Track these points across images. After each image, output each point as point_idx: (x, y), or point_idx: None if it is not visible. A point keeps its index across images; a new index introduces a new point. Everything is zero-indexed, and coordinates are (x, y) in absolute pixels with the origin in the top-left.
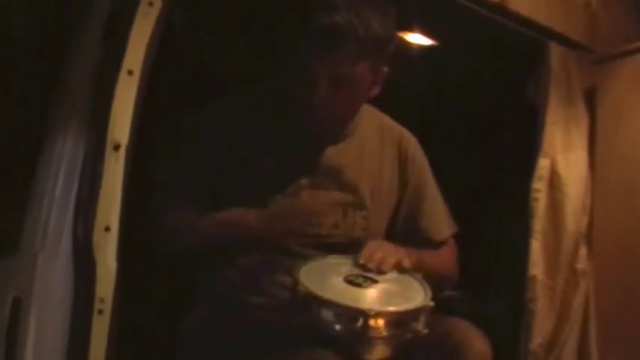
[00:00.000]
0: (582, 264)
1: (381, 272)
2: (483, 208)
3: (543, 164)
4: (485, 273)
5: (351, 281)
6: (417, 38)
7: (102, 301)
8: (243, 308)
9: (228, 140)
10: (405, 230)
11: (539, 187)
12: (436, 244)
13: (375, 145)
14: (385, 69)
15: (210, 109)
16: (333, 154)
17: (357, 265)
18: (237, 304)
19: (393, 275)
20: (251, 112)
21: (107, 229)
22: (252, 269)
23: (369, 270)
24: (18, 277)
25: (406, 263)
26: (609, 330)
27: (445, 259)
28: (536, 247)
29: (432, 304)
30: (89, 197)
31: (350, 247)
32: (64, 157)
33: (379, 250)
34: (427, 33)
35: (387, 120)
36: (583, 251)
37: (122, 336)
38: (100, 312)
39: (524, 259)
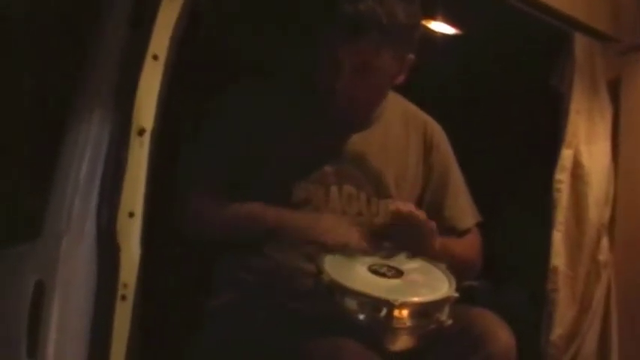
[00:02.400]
0: (604, 255)
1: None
2: (506, 197)
3: (566, 155)
4: (507, 263)
5: (375, 271)
6: (441, 27)
7: (125, 286)
8: (266, 296)
9: (253, 127)
10: (429, 218)
11: (562, 178)
12: (459, 233)
13: (400, 133)
14: (411, 57)
15: (234, 96)
16: (357, 141)
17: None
18: (261, 292)
19: (417, 264)
20: (276, 99)
21: (131, 214)
22: (275, 257)
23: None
24: (41, 261)
25: (422, 215)
26: (630, 321)
27: (469, 247)
28: (558, 238)
29: (456, 294)
30: (113, 182)
31: (374, 234)
32: (89, 141)
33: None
34: (451, 22)
35: (412, 107)
36: (605, 242)
37: (145, 322)
38: (124, 298)
39: (546, 250)
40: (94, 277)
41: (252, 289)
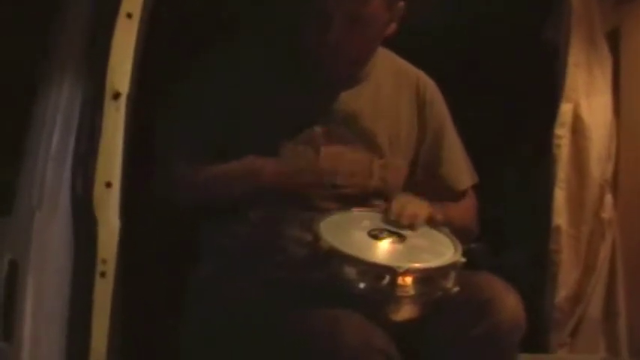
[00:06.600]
0: (608, 213)
1: (413, 228)
2: (504, 155)
3: (566, 109)
4: (508, 224)
5: (375, 236)
6: None
7: (104, 262)
8: (253, 264)
9: (238, 85)
10: (424, 179)
11: (562, 134)
12: (457, 194)
13: (392, 90)
14: (401, 4)
15: (218, 53)
16: (347, 99)
17: (387, 221)
18: (248, 260)
19: (420, 229)
20: (262, 55)
21: (108, 184)
22: (263, 223)
23: (401, 226)
24: (13, 239)
25: (439, 216)
26: (637, 281)
27: (466, 211)
28: (560, 195)
29: (463, 259)
30: (88, 150)
31: (368, 197)
32: (60, 107)
33: (410, 204)
34: None
35: (403, 63)
36: (609, 200)
37: (126, 298)
38: (103, 274)
39: (547, 210)
40: (71, 253)
41: (238, 258)
